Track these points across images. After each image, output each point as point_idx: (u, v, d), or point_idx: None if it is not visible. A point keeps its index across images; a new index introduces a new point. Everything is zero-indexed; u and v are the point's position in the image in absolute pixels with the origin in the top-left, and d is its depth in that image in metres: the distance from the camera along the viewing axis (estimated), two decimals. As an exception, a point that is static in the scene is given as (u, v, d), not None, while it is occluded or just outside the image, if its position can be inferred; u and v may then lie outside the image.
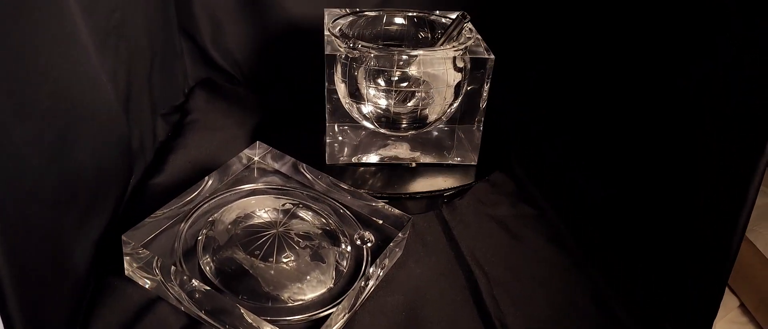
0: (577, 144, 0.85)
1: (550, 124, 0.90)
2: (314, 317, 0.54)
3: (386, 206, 0.64)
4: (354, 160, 0.74)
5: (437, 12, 0.73)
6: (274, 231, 0.59)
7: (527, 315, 0.59)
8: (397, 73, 0.66)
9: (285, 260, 0.57)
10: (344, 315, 0.55)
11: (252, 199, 0.64)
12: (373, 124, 0.70)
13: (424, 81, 0.67)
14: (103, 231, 0.60)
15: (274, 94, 0.94)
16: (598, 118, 0.85)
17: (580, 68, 0.92)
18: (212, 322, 0.53)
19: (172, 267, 0.54)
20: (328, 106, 0.70)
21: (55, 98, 0.49)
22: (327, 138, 0.72)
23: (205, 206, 0.63)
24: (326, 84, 0.68)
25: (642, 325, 0.58)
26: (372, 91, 0.67)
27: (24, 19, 0.44)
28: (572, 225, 0.70)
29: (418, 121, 0.69)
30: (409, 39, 0.75)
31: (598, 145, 0.83)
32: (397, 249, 0.62)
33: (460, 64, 0.66)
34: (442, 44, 0.68)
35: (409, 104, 0.68)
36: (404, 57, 0.65)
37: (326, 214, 0.64)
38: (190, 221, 0.61)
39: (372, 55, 0.65)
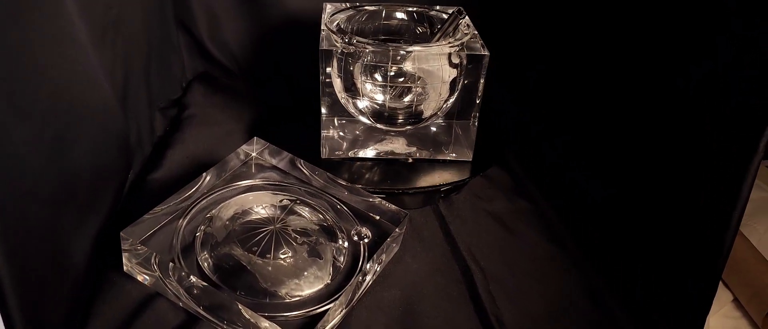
0: (577, 144, 0.85)
1: (550, 124, 0.91)
2: (311, 313, 0.54)
3: (383, 202, 0.64)
4: (350, 154, 0.74)
5: (438, 7, 0.73)
6: (272, 227, 0.60)
7: (522, 309, 0.59)
8: (393, 68, 0.66)
9: (282, 256, 0.57)
10: (341, 311, 0.55)
11: (250, 195, 0.65)
12: (368, 119, 0.71)
13: (419, 77, 0.67)
14: (102, 228, 0.60)
15: (272, 88, 0.94)
16: (598, 118, 0.85)
17: (580, 68, 0.92)
18: (210, 318, 0.54)
19: (170, 264, 0.54)
20: (323, 101, 0.70)
21: (54, 98, 0.49)
22: (322, 132, 0.72)
23: (203, 202, 0.63)
24: (321, 78, 0.68)
25: (636, 320, 0.59)
26: (368, 86, 0.67)
27: (23, 20, 0.45)
28: (568, 221, 0.70)
29: (414, 116, 0.69)
30: (409, 34, 0.75)
31: (598, 145, 0.83)
32: (394, 245, 0.63)
33: (456, 60, 0.66)
34: (437, 40, 0.68)
35: (405, 100, 0.68)
36: (401, 53, 0.65)
37: (323, 210, 0.64)
38: (188, 217, 0.61)
39: (367, 50, 0.65)
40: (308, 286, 0.56)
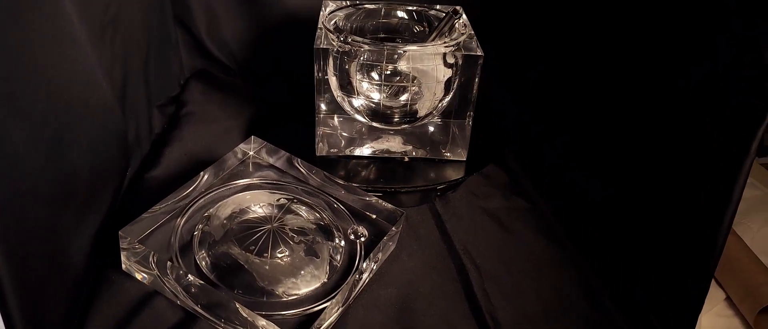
0: (577, 144, 0.85)
1: (550, 124, 0.91)
2: (308, 311, 0.55)
3: (380, 201, 0.65)
4: (347, 152, 0.74)
5: (438, 6, 0.74)
6: (269, 226, 0.60)
7: (517, 308, 0.60)
8: (388, 68, 0.66)
9: (279, 255, 0.58)
10: (338, 309, 0.56)
11: (247, 194, 0.65)
12: (364, 117, 0.71)
13: (414, 76, 0.67)
14: (101, 226, 0.61)
15: (270, 85, 0.95)
16: (598, 118, 0.85)
17: (580, 68, 0.92)
18: (208, 316, 0.54)
19: (169, 262, 0.54)
20: (318, 99, 0.71)
21: (53, 98, 0.49)
22: (318, 130, 0.73)
23: (200, 201, 0.63)
24: (317, 76, 0.68)
25: (631, 318, 0.60)
26: (364, 85, 0.68)
27: (22, 20, 0.45)
28: (564, 220, 0.71)
29: (409, 115, 0.70)
30: (408, 32, 0.75)
31: (598, 145, 0.83)
32: (391, 243, 0.63)
33: (451, 60, 0.66)
34: (433, 40, 0.69)
35: (401, 98, 0.68)
36: (397, 52, 0.65)
37: (320, 209, 0.64)
38: (186, 216, 0.61)
39: (363, 49, 0.65)
40: (305, 285, 0.57)
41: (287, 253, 0.58)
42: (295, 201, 0.64)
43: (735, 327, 0.65)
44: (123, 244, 0.56)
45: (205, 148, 0.79)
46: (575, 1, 0.91)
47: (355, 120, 0.73)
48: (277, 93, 0.93)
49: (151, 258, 0.55)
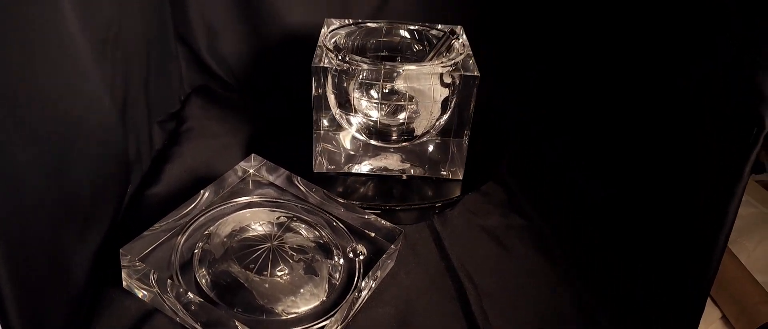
0: (577, 144, 0.86)
1: (550, 124, 0.91)
2: (308, 329, 0.56)
3: (378, 219, 0.65)
4: (345, 169, 0.75)
5: (440, 26, 0.74)
6: (269, 244, 0.61)
7: (515, 326, 0.60)
8: (386, 86, 0.67)
9: (279, 273, 0.58)
10: (337, 328, 0.56)
11: (247, 212, 0.66)
12: (362, 135, 0.72)
13: (411, 96, 0.68)
14: (101, 242, 0.61)
15: (269, 101, 0.95)
16: (598, 118, 0.86)
17: (580, 68, 0.92)
18: (208, 335, 0.55)
19: (169, 280, 0.55)
20: (316, 116, 0.71)
21: (56, 118, 0.50)
22: (315, 147, 0.73)
23: (201, 219, 0.64)
24: (315, 93, 0.69)
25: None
26: (362, 103, 0.68)
27: (27, 44, 0.46)
28: (560, 237, 0.71)
29: (407, 133, 0.70)
30: (409, 51, 0.76)
31: (598, 145, 0.83)
32: (389, 261, 0.64)
33: (448, 80, 0.67)
34: (430, 60, 0.69)
35: (399, 117, 0.69)
36: (396, 71, 0.66)
37: (320, 227, 0.65)
38: (186, 234, 0.62)
39: (360, 68, 0.66)
40: (304, 303, 0.57)
41: (287, 271, 0.59)
42: (294, 219, 0.65)
43: (730, 345, 0.66)
44: (124, 262, 0.57)
45: (205, 165, 0.79)
46: (575, 1, 0.91)
47: (354, 137, 0.74)
48: (277, 109, 0.93)
49: (151, 276, 0.56)
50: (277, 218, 0.65)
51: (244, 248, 0.60)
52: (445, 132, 0.73)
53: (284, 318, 0.56)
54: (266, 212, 0.66)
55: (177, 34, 0.92)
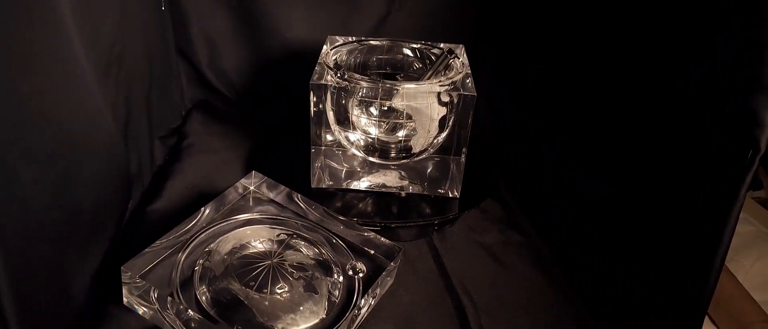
0: (577, 144, 0.86)
1: (549, 124, 0.91)
2: (307, 347, 0.56)
3: (378, 236, 0.66)
4: (344, 185, 0.76)
5: (442, 44, 0.75)
6: (269, 262, 0.61)
7: (513, 344, 0.61)
8: (382, 104, 0.68)
9: (279, 291, 0.59)
10: (336, 345, 0.57)
11: (247, 229, 0.66)
12: (360, 151, 0.72)
13: (409, 114, 0.69)
14: (103, 259, 0.62)
15: (270, 116, 0.96)
16: (597, 118, 0.86)
17: (579, 68, 0.92)
18: (208, 352, 0.55)
19: (169, 297, 0.55)
20: (314, 132, 0.72)
21: (59, 139, 0.51)
22: (313, 163, 0.74)
23: (202, 236, 0.64)
24: (314, 110, 0.70)
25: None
26: (360, 120, 0.69)
27: (31, 68, 0.46)
28: (557, 253, 0.72)
29: (404, 151, 0.71)
30: (410, 69, 0.77)
31: (598, 144, 0.83)
32: (389, 279, 0.64)
33: (446, 99, 0.68)
34: (428, 78, 0.70)
35: (399, 134, 0.70)
36: (394, 89, 0.67)
37: (319, 244, 0.65)
38: (187, 251, 0.62)
39: (358, 85, 0.67)
40: (304, 321, 0.57)
41: (287, 289, 0.59)
42: (294, 236, 0.65)
43: (728, 363, 0.66)
44: (124, 279, 0.57)
45: (205, 180, 0.80)
46: (575, 1, 0.91)
47: (352, 154, 0.74)
48: (277, 124, 0.94)
49: (151, 293, 0.56)
50: (278, 235, 0.65)
51: (244, 265, 0.61)
52: (444, 150, 0.74)
53: (284, 335, 0.56)
54: (266, 229, 0.66)
55: (178, 50, 0.93)
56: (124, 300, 0.59)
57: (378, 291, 0.62)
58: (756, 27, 0.51)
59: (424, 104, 0.67)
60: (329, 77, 0.68)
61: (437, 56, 0.73)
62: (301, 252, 0.64)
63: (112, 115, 0.66)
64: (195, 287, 0.59)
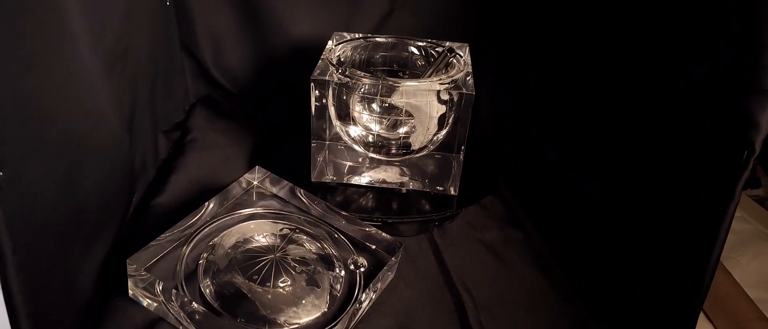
0: (577, 144, 0.86)
1: (550, 124, 0.92)
2: (309, 340, 0.57)
3: (379, 231, 0.67)
4: (345, 180, 0.76)
5: (447, 43, 0.76)
6: (272, 256, 0.62)
7: (511, 339, 0.62)
8: (383, 101, 0.69)
9: (282, 285, 0.60)
10: (337, 339, 0.58)
11: (251, 224, 0.67)
12: (361, 147, 0.73)
13: (408, 112, 0.69)
14: (108, 253, 0.63)
15: (273, 112, 0.97)
16: (598, 118, 0.86)
17: (580, 68, 0.92)
18: (211, 344, 0.56)
19: (174, 290, 0.56)
20: (315, 127, 0.73)
21: (65, 136, 0.51)
22: (314, 157, 0.75)
23: (206, 230, 0.65)
24: (315, 105, 0.70)
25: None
26: (361, 116, 0.70)
27: (38, 66, 0.47)
28: (556, 250, 0.72)
29: (404, 147, 0.72)
30: (413, 67, 0.78)
31: (598, 145, 0.84)
32: (389, 273, 0.65)
33: (445, 97, 0.68)
34: (429, 76, 0.71)
35: (400, 131, 0.71)
36: (393, 86, 0.68)
37: (321, 239, 0.66)
38: (191, 244, 0.63)
39: (359, 82, 0.68)
40: (306, 314, 0.58)
41: (289, 283, 0.60)
42: (297, 231, 0.66)
43: (723, 360, 0.67)
44: (130, 271, 0.58)
45: (209, 175, 0.81)
46: (575, 1, 0.92)
47: (353, 149, 0.75)
48: (280, 120, 0.95)
49: (156, 286, 0.57)
50: (280, 230, 0.66)
51: (247, 259, 0.62)
52: (444, 147, 0.74)
53: (286, 328, 0.57)
54: (269, 224, 0.67)
55: (183, 47, 0.94)
56: (130, 292, 0.59)
57: (379, 285, 0.63)
58: (753, 30, 0.51)
59: (424, 102, 0.68)
60: (331, 73, 0.69)
61: (438, 54, 0.74)
62: (303, 246, 0.65)
63: (117, 111, 0.67)
64: (199, 280, 0.60)
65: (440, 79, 0.68)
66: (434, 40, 0.77)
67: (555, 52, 0.97)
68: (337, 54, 0.74)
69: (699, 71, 0.60)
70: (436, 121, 0.69)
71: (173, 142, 0.87)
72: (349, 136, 0.73)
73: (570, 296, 0.67)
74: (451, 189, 0.75)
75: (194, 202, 0.70)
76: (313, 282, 0.61)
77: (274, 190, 0.72)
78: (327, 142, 0.75)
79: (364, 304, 0.61)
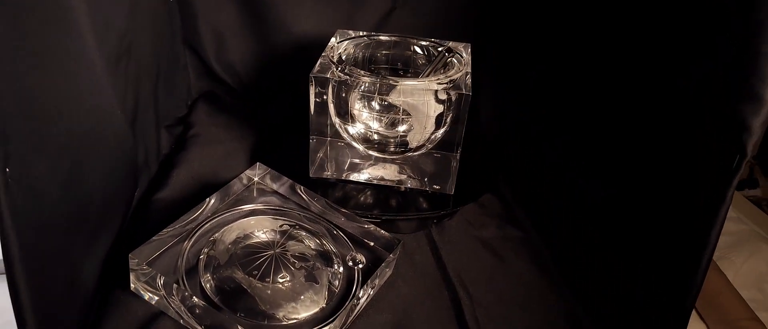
0: (577, 144, 0.87)
1: (550, 124, 0.92)
2: (307, 335, 0.58)
3: (378, 228, 0.68)
4: (343, 177, 0.77)
5: (450, 43, 0.76)
6: (272, 251, 0.63)
7: (507, 336, 0.63)
8: (381, 99, 0.70)
9: (281, 280, 0.61)
10: (335, 334, 0.59)
11: (251, 220, 0.68)
12: (359, 144, 0.74)
13: (405, 110, 0.70)
14: (111, 247, 0.64)
15: (274, 108, 0.98)
16: (598, 118, 0.86)
17: (580, 68, 0.93)
18: (212, 338, 0.57)
19: (175, 284, 0.57)
20: (314, 123, 0.74)
21: (69, 133, 0.52)
22: (312, 153, 0.76)
23: (207, 225, 0.66)
24: (313, 101, 0.71)
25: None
26: (360, 114, 0.71)
27: (44, 64, 0.48)
28: (553, 249, 0.73)
29: (402, 145, 0.73)
30: (414, 66, 0.79)
31: (598, 145, 0.84)
32: (387, 270, 0.66)
33: (443, 97, 0.69)
34: (427, 75, 0.72)
35: (399, 129, 0.71)
36: (391, 85, 0.68)
37: (321, 236, 0.67)
38: (192, 240, 0.64)
39: (358, 80, 0.68)
40: (304, 310, 0.59)
41: (288, 278, 0.61)
42: (296, 227, 0.67)
43: (716, 359, 0.68)
44: (132, 266, 0.59)
45: (210, 170, 0.82)
46: (575, 1, 0.92)
47: (351, 146, 0.76)
48: (281, 116, 0.96)
49: (158, 280, 0.58)
50: (280, 226, 0.67)
51: (247, 255, 0.63)
52: (442, 146, 0.75)
53: (285, 323, 0.58)
54: (270, 220, 0.68)
55: (186, 43, 0.95)
56: (132, 286, 0.61)
57: (377, 281, 0.64)
58: (750, 33, 0.51)
59: (421, 101, 0.69)
60: (331, 70, 0.70)
61: (437, 54, 0.75)
62: (302, 242, 0.66)
63: (121, 107, 0.67)
64: (200, 275, 0.61)
65: (438, 79, 0.68)
66: (437, 40, 0.77)
67: (555, 52, 0.97)
68: (340, 51, 0.75)
69: (699, 71, 0.61)
70: (433, 120, 0.70)
71: (175, 137, 0.88)
72: (347, 133, 0.74)
73: (565, 294, 0.68)
74: (448, 187, 0.76)
75: (196, 197, 0.71)
76: (312, 278, 0.62)
77: (275, 187, 0.73)
78: (328, 139, 0.76)
79: (362, 300, 0.62)
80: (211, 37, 0.95)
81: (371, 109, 0.71)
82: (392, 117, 0.70)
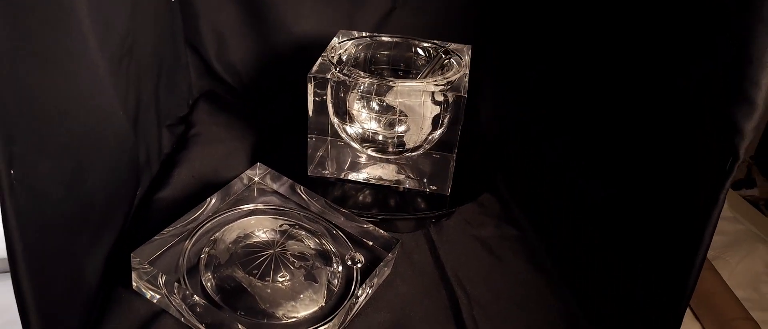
0: (577, 144, 0.87)
1: (550, 124, 0.93)
2: (306, 334, 0.59)
3: (376, 228, 0.68)
4: (342, 176, 0.78)
5: (452, 45, 0.77)
6: (272, 251, 0.64)
7: (504, 335, 0.64)
8: (378, 100, 0.70)
9: (281, 279, 0.62)
10: (334, 332, 0.59)
11: (252, 219, 0.69)
12: (357, 144, 0.75)
13: (401, 111, 0.71)
14: (113, 246, 0.64)
15: (275, 107, 0.98)
16: (598, 118, 0.86)
17: (580, 68, 0.93)
18: (212, 336, 0.58)
19: (176, 283, 0.58)
20: (312, 123, 0.74)
21: (72, 133, 0.53)
22: (310, 151, 0.76)
23: (207, 225, 0.67)
24: (316, 99, 0.72)
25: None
26: (358, 114, 0.71)
27: (47, 65, 0.49)
28: (550, 248, 0.74)
29: (399, 146, 0.73)
30: (413, 67, 0.79)
31: (598, 145, 0.84)
32: (386, 269, 0.67)
33: (439, 98, 0.69)
34: (424, 76, 0.72)
35: (397, 130, 0.72)
36: (388, 86, 0.69)
37: (320, 235, 0.68)
38: (193, 239, 0.65)
39: (356, 80, 0.69)
40: (304, 308, 0.60)
41: (288, 277, 0.62)
42: (296, 227, 0.68)
43: (710, 358, 0.68)
44: (134, 264, 0.60)
45: (211, 169, 0.82)
46: (575, 1, 0.92)
47: (350, 146, 0.77)
48: (282, 115, 0.96)
49: (159, 279, 0.59)
50: (280, 225, 0.68)
51: (248, 254, 0.63)
52: (439, 147, 0.75)
53: (285, 322, 0.59)
54: (270, 219, 0.69)
55: (187, 43, 0.95)
56: (133, 284, 0.61)
57: (375, 281, 0.65)
58: (745, 35, 0.52)
59: (418, 102, 0.70)
60: (330, 71, 0.71)
61: (434, 55, 0.76)
62: (302, 242, 0.66)
63: (123, 107, 0.68)
64: (201, 274, 0.62)
65: (435, 81, 0.69)
66: (438, 41, 0.78)
67: (555, 52, 0.97)
68: (340, 52, 0.75)
69: (699, 71, 0.61)
70: (429, 121, 0.71)
71: (177, 136, 0.89)
72: (346, 133, 0.74)
73: (562, 293, 0.68)
74: (445, 188, 0.77)
75: (197, 196, 0.72)
76: (311, 277, 0.63)
77: (275, 187, 0.74)
78: (328, 138, 0.77)
79: (361, 299, 0.63)
80: (212, 37, 0.96)
81: (370, 109, 0.72)
82: (390, 117, 0.71)
